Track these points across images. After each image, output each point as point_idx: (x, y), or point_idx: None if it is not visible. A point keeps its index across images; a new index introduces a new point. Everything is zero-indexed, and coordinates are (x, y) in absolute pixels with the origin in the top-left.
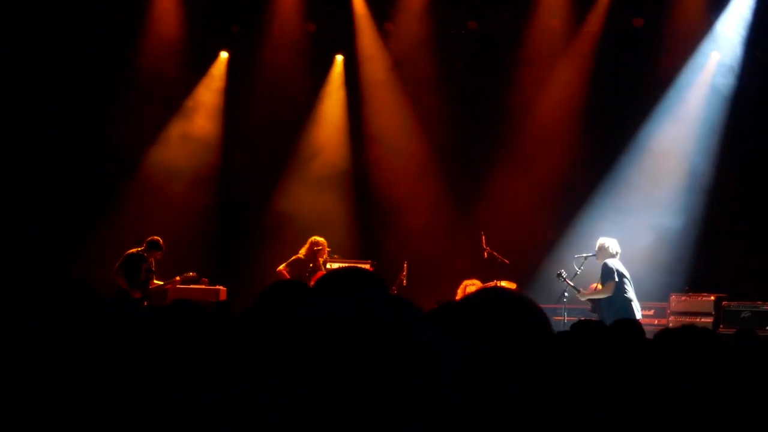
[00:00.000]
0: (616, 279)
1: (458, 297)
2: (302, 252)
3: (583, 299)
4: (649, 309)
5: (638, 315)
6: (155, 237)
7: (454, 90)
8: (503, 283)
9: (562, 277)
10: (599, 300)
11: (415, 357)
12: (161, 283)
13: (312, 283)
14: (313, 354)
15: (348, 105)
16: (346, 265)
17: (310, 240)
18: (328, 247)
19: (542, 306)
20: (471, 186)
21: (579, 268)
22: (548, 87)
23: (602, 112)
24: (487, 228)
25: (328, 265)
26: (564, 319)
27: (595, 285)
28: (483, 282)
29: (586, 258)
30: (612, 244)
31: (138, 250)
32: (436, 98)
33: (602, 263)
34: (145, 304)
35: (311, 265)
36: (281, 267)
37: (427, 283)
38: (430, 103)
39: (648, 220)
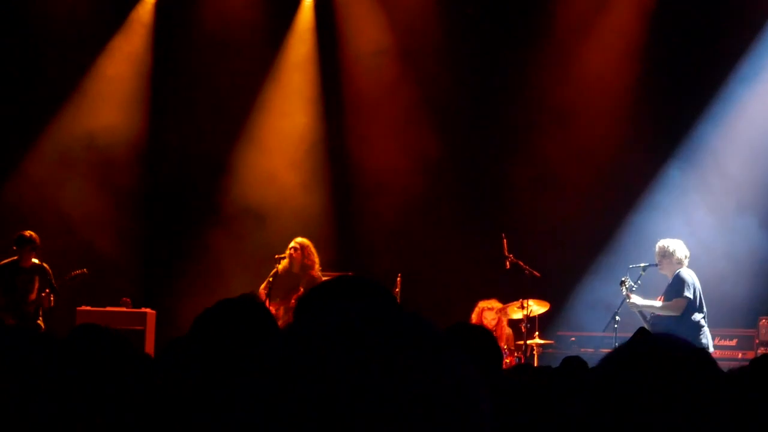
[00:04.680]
0: (691, 296)
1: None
2: (283, 263)
3: (635, 309)
4: (731, 338)
5: (711, 346)
6: (22, 232)
7: (464, 42)
8: (532, 303)
9: (625, 286)
10: (662, 319)
11: (453, 395)
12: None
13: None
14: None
15: (320, 65)
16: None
17: (297, 243)
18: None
19: (587, 334)
20: (488, 173)
21: (636, 283)
22: (594, 33)
23: (670, 68)
24: (510, 230)
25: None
26: None
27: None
28: (503, 303)
29: (644, 269)
30: (677, 246)
31: (12, 259)
32: (438, 54)
33: (673, 274)
34: (42, 328)
35: (275, 271)
36: (261, 287)
37: (429, 304)
38: (430, 62)
39: (728, 219)
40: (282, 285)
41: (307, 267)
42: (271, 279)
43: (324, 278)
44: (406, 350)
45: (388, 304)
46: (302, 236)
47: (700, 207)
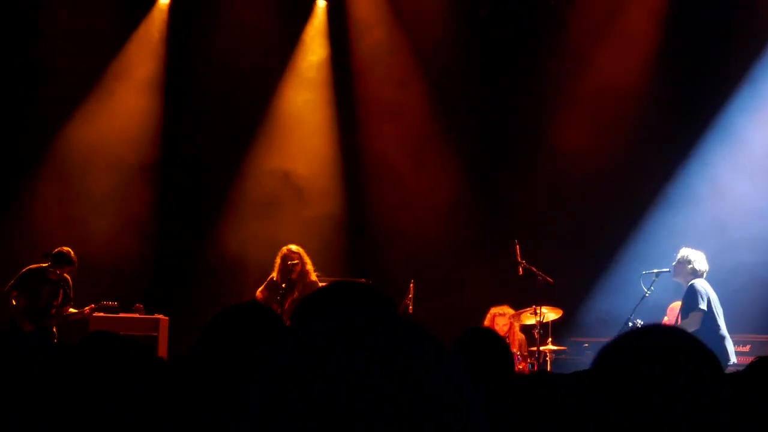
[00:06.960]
0: (705, 308)
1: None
2: (274, 270)
3: None
4: (744, 344)
5: (733, 358)
6: (63, 248)
7: (476, 47)
8: (545, 309)
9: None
10: None
11: (442, 408)
12: (73, 311)
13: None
14: (295, 410)
15: (333, 68)
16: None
17: (280, 251)
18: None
19: (600, 340)
20: (500, 179)
21: (648, 290)
22: (608, 38)
23: (684, 72)
24: (523, 235)
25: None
26: None
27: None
28: (516, 309)
29: (658, 275)
30: (698, 258)
31: (42, 266)
32: (451, 58)
33: (687, 284)
34: (55, 336)
35: (284, 285)
36: (259, 290)
37: (442, 310)
38: (443, 66)
39: (748, 219)
40: (275, 293)
41: (305, 273)
42: (266, 284)
43: (321, 282)
44: (406, 352)
45: (386, 308)
46: (297, 244)
47: (710, 214)
